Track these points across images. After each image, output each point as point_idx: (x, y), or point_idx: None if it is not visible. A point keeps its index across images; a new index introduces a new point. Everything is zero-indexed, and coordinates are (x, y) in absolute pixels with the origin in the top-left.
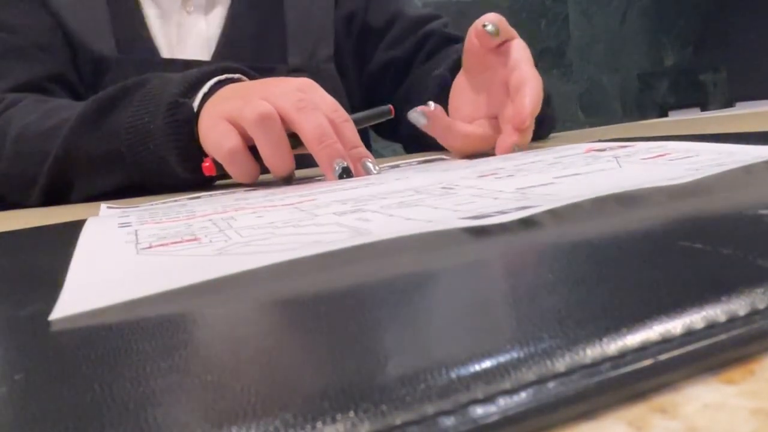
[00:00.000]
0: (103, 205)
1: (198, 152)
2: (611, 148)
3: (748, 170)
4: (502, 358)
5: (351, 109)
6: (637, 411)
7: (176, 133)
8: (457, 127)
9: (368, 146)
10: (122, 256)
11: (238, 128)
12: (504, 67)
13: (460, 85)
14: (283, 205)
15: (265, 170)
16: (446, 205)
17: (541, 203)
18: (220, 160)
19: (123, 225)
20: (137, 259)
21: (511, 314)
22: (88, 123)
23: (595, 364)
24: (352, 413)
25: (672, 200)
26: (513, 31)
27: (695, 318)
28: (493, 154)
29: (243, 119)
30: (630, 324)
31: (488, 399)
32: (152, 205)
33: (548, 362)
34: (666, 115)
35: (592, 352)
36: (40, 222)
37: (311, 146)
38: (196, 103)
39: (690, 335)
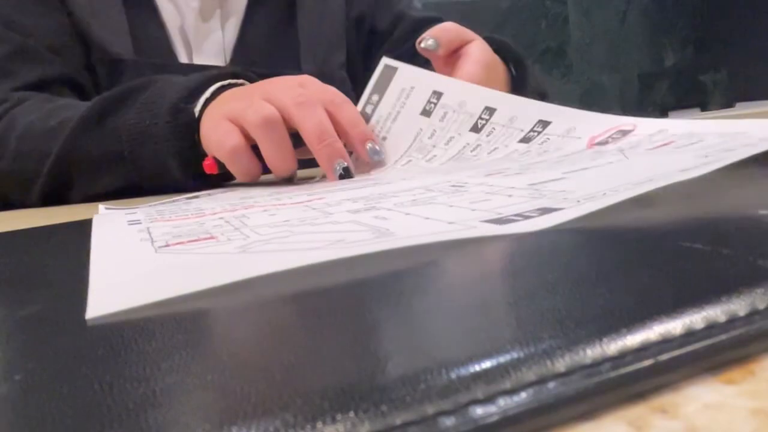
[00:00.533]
0: (101, 206)
1: (198, 158)
2: (613, 139)
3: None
4: (502, 359)
5: None
6: (637, 411)
7: (177, 139)
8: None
9: None
10: (141, 255)
11: (240, 128)
12: (458, 70)
13: None
14: (292, 204)
15: (266, 170)
16: (461, 203)
17: (560, 204)
18: (222, 159)
19: (132, 222)
20: (158, 257)
21: (511, 314)
22: (91, 123)
23: (595, 365)
24: (352, 413)
25: (672, 200)
26: (470, 34)
27: (695, 318)
28: None
29: (246, 121)
30: (630, 324)
31: (488, 399)
32: (151, 206)
33: (548, 362)
34: (666, 116)
35: (592, 352)
36: (42, 222)
37: (311, 144)
38: (198, 108)
39: (690, 335)
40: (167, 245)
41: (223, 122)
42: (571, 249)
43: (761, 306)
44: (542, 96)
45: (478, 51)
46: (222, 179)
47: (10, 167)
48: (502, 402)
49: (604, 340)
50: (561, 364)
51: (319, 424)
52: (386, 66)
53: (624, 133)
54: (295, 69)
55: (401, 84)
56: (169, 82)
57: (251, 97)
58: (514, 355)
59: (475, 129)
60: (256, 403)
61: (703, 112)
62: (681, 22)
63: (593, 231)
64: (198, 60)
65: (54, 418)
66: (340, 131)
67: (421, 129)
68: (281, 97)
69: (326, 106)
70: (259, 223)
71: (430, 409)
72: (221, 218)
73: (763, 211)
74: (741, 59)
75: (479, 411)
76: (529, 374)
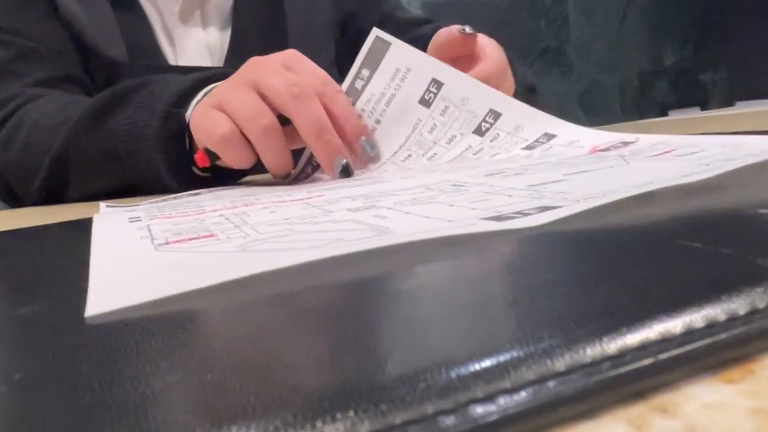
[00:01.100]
0: (102, 204)
1: (188, 165)
2: (615, 147)
3: (754, 168)
4: (502, 358)
5: None
6: (636, 410)
7: (166, 145)
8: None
9: None
10: (141, 252)
11: (231, 118)
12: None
13: None
14: (292, 201)
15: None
16: (461, 202)
17: (560, 203)
18: (213, 148)
19: (133, 219)
20: (157, 255)
21: (510, 313)
22: (89, 122)
23: (595, 364)
24: (351, 412)
25: (671, 199)
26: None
27: (695, 317)
28: None
29: (235, 114)
30: (630, 323)
31: (488, 398)
32: (152, 203)
33: (548, 361)
34: (666, 115)
35: (592, 351)
36: (42, 221)
37: (309, 141)
38: (188, 112)
39: (690, 334)
40: (167, 243)
41: (211, 111)
42: (571, 248)
43: (761, 305)
44: (531, 89)
45: (495, 50)
46: (215, 180)
47: (18, 158)
48: (502, 401)
49: (604, 339)
50: (561, 363)
51: (319, 423)
52: (378, 38)
53: (626, 143)
54: None
55: (395, 63)
56: (165, 83)
57: (239, 84)
58: (514, 354)
59: (479, 132)
60: (256, 402)
61: (703, 111)
62: (681, 22)
63: (592, 230)
64: (183, 61)
65: (53, 417)
66: (334, 125)
67: (419, 120)
68: (274, 86)
69: (320, 97)
70: (259, 221)
71: (429, 408)
72: (221, 215)
73: (762, 210)
74: (740, 58)
75: (479, 410)
76: (529, 373)
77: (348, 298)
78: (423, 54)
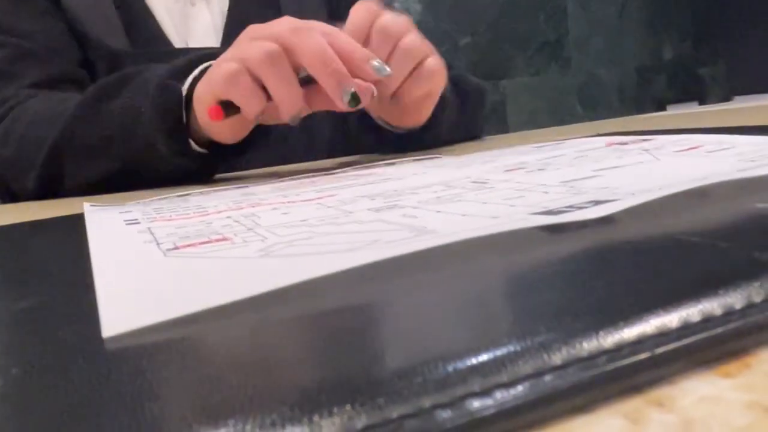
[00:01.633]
0: (86, 204)
1: (185, 135)
2: (633, 142)
3: None
4: (499, 352)
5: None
6: (633, 404)
7: (164, 112)
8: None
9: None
10: (149, 260)
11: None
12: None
13: None
14: (302, 201)
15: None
16: (494, 200)
17: (610, 197)
18: (220, 90)
19: (130, 222)
20: (168, 262)
21: (507, 307)
22: (86, 109)
23: (592, 358)
24: (348, 406)
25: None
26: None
27: (692, 311)
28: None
29: (247, 59)
30: (626, 317)
31: (485, 392)
32: (142, 203)
33: (545, 355)
34: (664, 109)
35: (588, 345)
36: (35, 216)
37: (316, 70)
38: (185, 86)
39: (686, 329)
40: (176, 248)
41: (222, 63)
42: (567, 243)
43: (757, 299)
44: (466, 94)
45: (356, 14)
46: (213, 158)
47: (14, 154)
48: (499, 395)
49: (601, 333)
50: (557, 357)
51: (316, 417)
52: None
53: (644, 138)
54: None
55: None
56: (159, 66)
57: (241, 42)
58: (511, 348)
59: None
60: (253, 396)
61: (701, 106)
62: (679, 16)
63: (589, 225)
64: (193, 43)
65: (51, 410)
66: (341, 58)
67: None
68: (276, 29)
69: (322, 36)
70: (273, 223)
71: (426, 402)
72: (228, 217)
73: (760, 205)
74: (739, 53)
75: (476, 404)
76: (526, 367)
77: (345, 292)
78: None
